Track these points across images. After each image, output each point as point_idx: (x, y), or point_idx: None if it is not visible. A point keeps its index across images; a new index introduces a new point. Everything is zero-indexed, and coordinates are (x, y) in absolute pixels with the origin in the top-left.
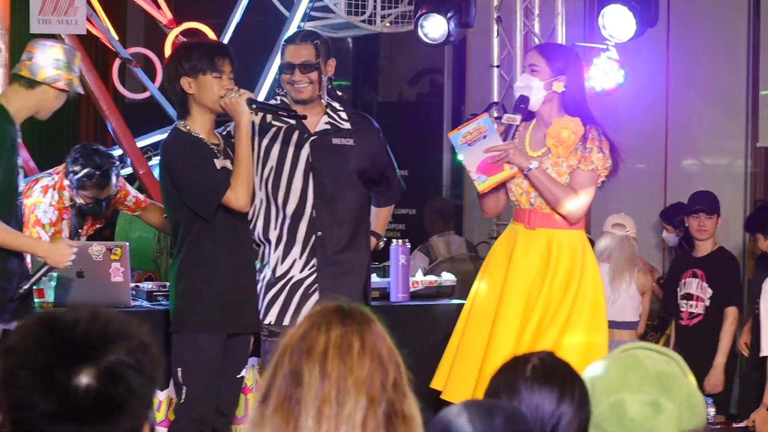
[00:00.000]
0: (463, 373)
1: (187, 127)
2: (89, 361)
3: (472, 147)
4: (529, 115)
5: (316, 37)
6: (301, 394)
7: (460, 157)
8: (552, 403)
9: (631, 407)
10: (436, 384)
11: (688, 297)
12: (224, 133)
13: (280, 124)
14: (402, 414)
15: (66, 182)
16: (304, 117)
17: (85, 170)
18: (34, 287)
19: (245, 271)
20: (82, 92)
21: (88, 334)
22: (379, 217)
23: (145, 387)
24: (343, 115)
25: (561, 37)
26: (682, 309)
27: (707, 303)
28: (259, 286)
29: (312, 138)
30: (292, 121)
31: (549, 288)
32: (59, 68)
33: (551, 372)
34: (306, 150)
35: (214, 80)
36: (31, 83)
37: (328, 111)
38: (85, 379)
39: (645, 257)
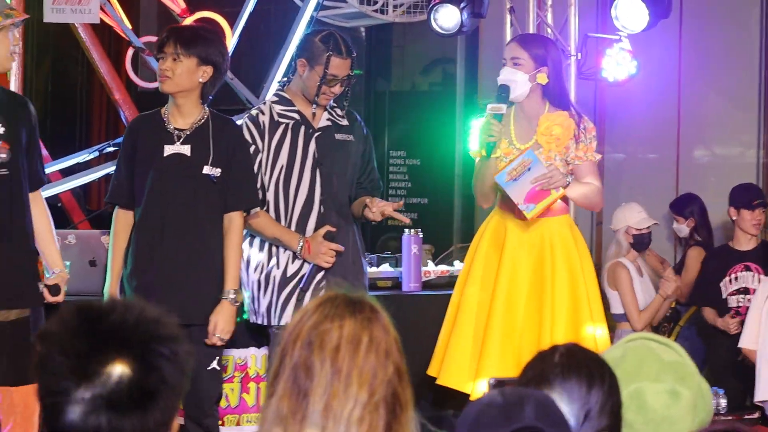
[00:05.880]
0: (459, 361)
1: (166, 107)
2: (123, 350)
3: (518, 181)
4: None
5: (353, 50)
6: (310, 387)
7: (506, 191)
8: (582, 390)
9: (650, 396)
10: (432, 371)
11: (745, 291)
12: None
13: (287, 121)
14: (404, 402)
15: None
16: None
17: None
18: None
19: (179, 261)
20: (16, 18)
21: (123, 323)
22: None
23: (178, 377)
24: (339, 111)
25: (574, 28)
26: (738, 304)
27: None
28: (269, 286)
29: (317, 134)
30: (297, 116)
31: (552, 279)
32: None
33: (579, 360)
34: (312, 146)
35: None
36: None
37: (327, 108)
38: (119, 367)
39: (656, 248)
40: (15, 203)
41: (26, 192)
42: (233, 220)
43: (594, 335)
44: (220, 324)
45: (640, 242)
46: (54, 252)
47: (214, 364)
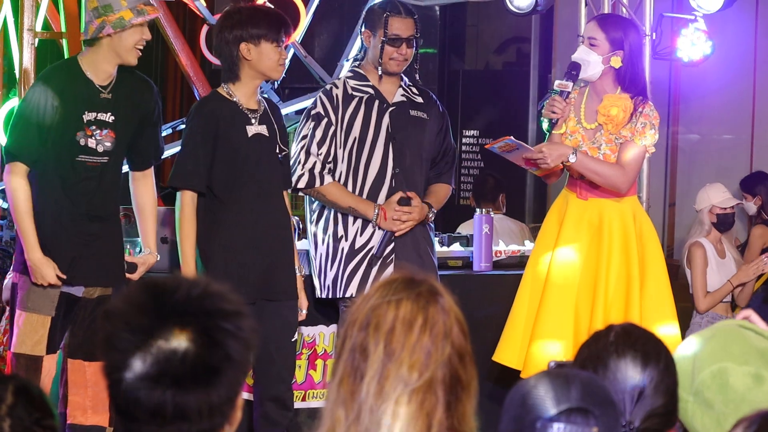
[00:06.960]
0: (512, 338)
1: (228, 91)
2: (188, 326)
3: (511, 153)
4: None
5: (414, 12)
6: (365, 369)
7: (504, 157)
8: (636, 368)
9: (734, 377)
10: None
11: None
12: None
13: (361, 94)
14: (465, 382)
15: None
16: None
17: None
18: None
19: (273, 237)
20: (148, 16)
21: (188, 299)
22: (437, 192)
23: (243, 353)
24: (415, 89)
25: (649, 7)
26: None
27: None
28: (336, 258)
29: (391, 108)
30: (371, 91)
31: (607, 262)
32: (98, 16)
33: (634, 339)
34: (386, 120)
35: (274, 49)
36: (88, 42)
37: (402, 84)
38: (183, 343)
39: None
40: (111, 189)
41: (120, 177)
42: (285, 198)
43: (641, 321)
44: (304, 299)
45: (724, 222)
46: (151, 233)
47: (296, 336)
